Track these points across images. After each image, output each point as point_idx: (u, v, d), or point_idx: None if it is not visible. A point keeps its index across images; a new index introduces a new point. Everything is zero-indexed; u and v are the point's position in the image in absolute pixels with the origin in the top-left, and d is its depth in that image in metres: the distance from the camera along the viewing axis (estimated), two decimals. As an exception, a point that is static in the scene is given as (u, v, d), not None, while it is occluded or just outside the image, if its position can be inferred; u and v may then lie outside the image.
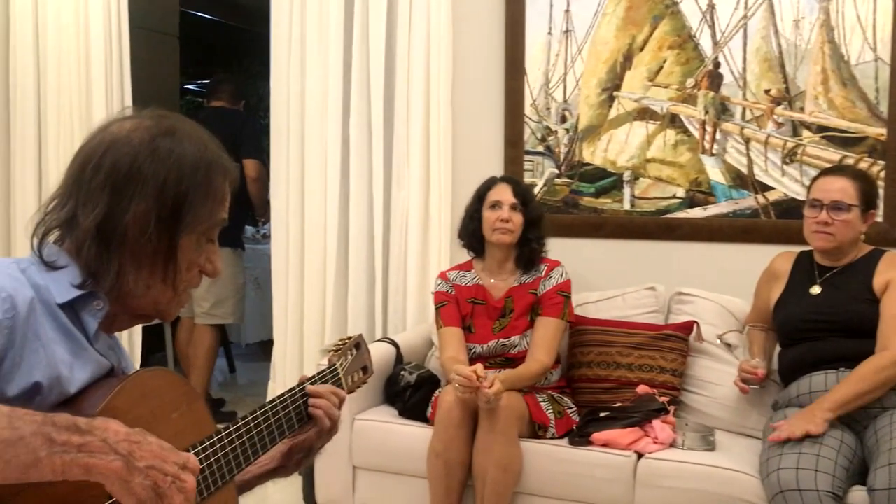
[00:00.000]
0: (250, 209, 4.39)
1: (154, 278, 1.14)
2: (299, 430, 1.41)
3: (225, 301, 4.11)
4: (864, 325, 2.34)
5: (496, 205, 2.75)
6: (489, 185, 2.83)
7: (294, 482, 3.15)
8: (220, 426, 1.22)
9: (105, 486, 0.94)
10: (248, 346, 5.64)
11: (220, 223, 1.20)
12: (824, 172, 2.54)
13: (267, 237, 5.53)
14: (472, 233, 2.83)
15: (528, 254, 2.77)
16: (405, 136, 3.35)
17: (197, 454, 1.13)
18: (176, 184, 1.12)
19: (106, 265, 1.10)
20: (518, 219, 2.74)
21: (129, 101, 3.82)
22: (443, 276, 2.87)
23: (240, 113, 4.33)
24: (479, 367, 2.41)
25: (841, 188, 2.41)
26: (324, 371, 1.47)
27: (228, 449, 1.19)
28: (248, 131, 4.15)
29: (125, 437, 0.94)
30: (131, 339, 3.84)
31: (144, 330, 3.91)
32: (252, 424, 1.26)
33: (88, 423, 0.93)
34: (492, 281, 2.80)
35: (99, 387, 1.08)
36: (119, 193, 1.10)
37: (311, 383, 1.42)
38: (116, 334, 1.23)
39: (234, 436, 1.21)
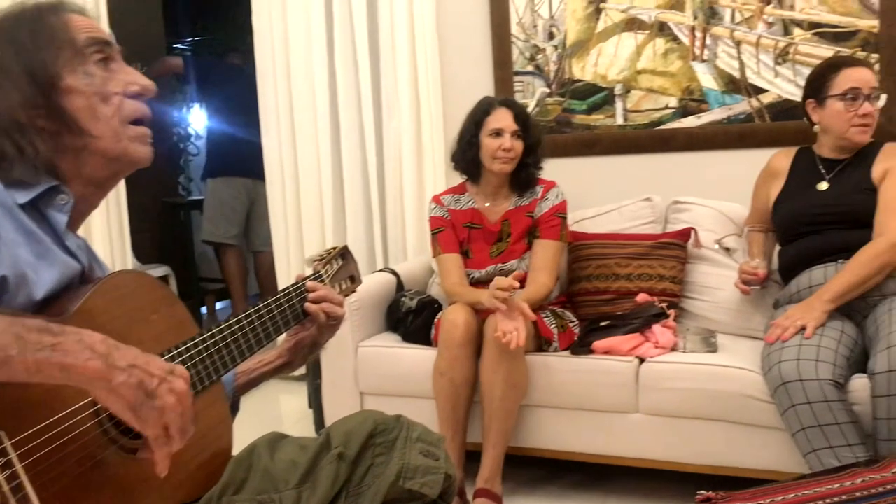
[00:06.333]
0: None
1: (73, 138, 1.12)
2: (300, 326, 1.41)
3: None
4: (864, 216, 2.32)
5: (497, 132, 2.63)
6: (486, 109, 2.68)
7: (308, 416, 3.19)
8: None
9: (90, 393, 0.89)
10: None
11: (91, 42, 1.15)
12: (844, 63, 2.40)
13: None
14: (470, 159, 2.71)
15: (524, 178, 2.70)
16: (392, 66, 3.32)
17: (181, 354, 1.13)
18: (16, 58, 1.10)
19: (33, 149, 1.09)
20: (520, 146, 2.64)
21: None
22: (436, 199, 2.82)
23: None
24: (513, 282, 2.32)
25: (870, 77, 2.35)
26: (309, 277, 1.46)
27: (215, 350, 1.19)
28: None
29: (101, 340, 0.91)
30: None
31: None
32: (237, 326, 1.25)
33: (61, 327, 0.90)
34: (487, 205, 2.75)
35: (71, 291, 1.08)
36: None
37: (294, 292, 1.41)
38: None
39: (220, 337, 1.21)
